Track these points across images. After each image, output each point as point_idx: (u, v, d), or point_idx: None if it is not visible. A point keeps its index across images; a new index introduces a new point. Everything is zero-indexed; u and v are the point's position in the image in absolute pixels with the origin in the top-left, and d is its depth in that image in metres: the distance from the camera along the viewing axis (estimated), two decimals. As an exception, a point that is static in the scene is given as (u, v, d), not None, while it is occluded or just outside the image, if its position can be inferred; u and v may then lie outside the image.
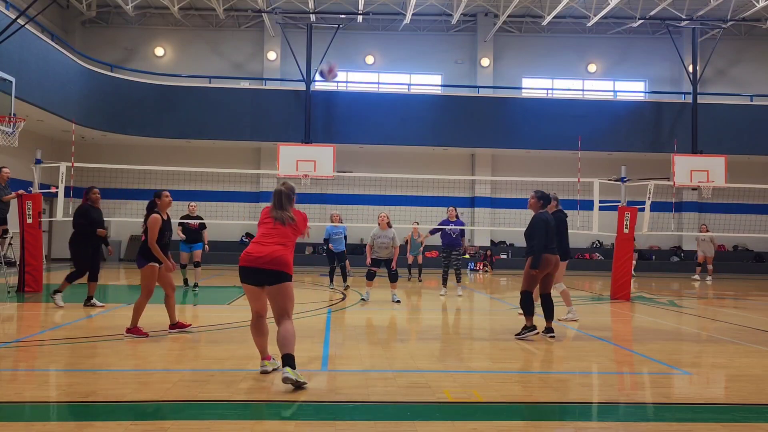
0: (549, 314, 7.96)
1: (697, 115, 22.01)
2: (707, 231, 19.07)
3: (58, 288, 10.00)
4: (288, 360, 5.20)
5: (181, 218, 13.33)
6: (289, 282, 5.45)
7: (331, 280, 14.24)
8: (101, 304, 10.06)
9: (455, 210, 13.42)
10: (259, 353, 5.79)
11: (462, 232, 13.18)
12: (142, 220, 7.82)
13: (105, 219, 10.40)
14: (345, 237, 13.95)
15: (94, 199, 10.11)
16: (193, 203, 13.88)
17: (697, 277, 19.31)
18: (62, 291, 9.92)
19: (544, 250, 7.78)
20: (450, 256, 13.10)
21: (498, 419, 4.62)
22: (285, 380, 5.08)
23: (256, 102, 22.58)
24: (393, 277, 11.66)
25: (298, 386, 5.08)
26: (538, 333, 7.79)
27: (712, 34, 25.01)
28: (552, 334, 7.81)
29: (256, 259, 5.39)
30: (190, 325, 7.96)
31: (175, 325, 7.74)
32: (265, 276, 5.39)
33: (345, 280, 13.90)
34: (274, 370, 5.67)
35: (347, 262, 14.20)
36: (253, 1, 23.80)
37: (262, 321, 5.73)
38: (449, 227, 13.03)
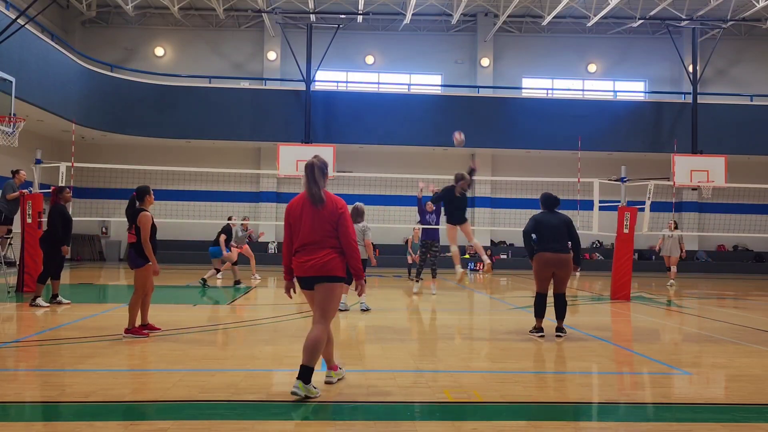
0: (560, 314, 7.92)
1: (697, 115, 22.01)
2: (675, 228, 16.80)
3: (34, 295, 9.97)
4: (305, 373, 4.95)
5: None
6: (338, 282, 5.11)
7: None
8: (67, 301, 10.14)
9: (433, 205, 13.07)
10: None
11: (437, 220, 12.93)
12: (126, 219, 7.67)
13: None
14: None
15: (68, 198, 10.14)
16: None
17: (672, 282, 16.51)
18: (40, 295, 9.91)
19: (540, 250, 7.78)
20: (431, 249, 12.91)
21: (498, 419, 4.62)
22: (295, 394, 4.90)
23: (256, 102, 22.58)
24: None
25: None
26: (543, 336, 7.82)
27: (712, 34, 25.01)
28: (560, 334, 7.81)
29: (307, 269, 5.03)
30: (160, 329, 7.79)
31: (146, 326, 7.65)
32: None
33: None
34: (339, 379, 5.45)
35: None
36: (253, 1, 23.80)
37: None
38: (428, 217, 12.91)
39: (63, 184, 11.53)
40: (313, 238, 5.02)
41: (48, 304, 9.85)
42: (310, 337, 4.99)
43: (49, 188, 13.81)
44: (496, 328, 8.96)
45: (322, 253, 5.00)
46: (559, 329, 7.88)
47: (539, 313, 7.97)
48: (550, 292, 8.03)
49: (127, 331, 7.39)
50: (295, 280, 5.23)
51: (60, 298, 10.10)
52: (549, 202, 8.02)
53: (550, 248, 7.75)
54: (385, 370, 6.02)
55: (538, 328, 7.95)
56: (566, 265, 7.76)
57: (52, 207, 9.95)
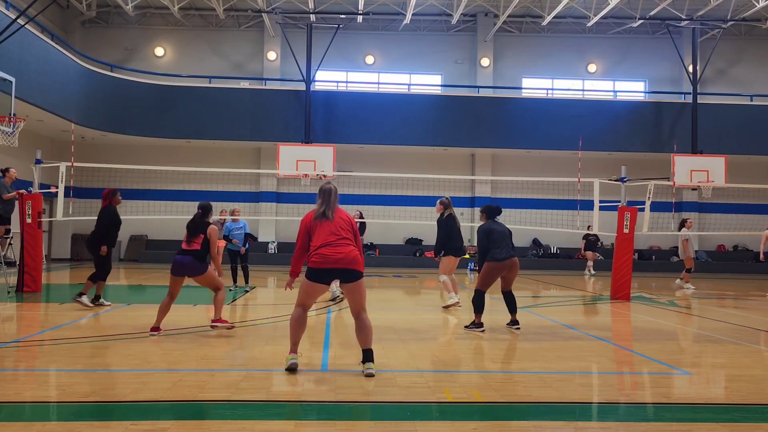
0: (514, 308, 8.61)
1: (697, 115, 22.00)
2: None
3: (80, 292, 9.89)
4: (369, 355, 5.72)
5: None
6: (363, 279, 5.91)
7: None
8: (108, 303, 10.13)
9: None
10: (290, 347, 5.92)
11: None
12: (189, 230, 7.79)
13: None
14: None
15: (119, 201, 10.33)
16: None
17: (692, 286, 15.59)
18: (86, 293, 9.85)
19: (496, 256, 8.39)
20: None
21: (498, 419, 4.62)
22: (369, 375, 5.58)
23: (256, 102, 22.58)
24: None
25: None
26: (484, 331, 8.24)
27: (712, 34, 25.01)
28: (518, 326, 8.45)
29: (336, 261, 5.73)
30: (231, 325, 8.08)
31: (218, 320, 7.96)
32: (340, 275, 5.82)
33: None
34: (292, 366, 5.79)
35: None
36: (253, 1, 23.80)
37: (306, 315, 6.05)
38: None
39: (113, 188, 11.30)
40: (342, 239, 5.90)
41: (90, 305, 9.72)
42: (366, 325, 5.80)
43: (49, 188, 13.84)
44: (495, 328, 8.96)
45: (348, 248, 5.88)
46: (515, 321, 8.52)
47: (480, 308, 8.39)
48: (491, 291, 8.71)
49: (214, 321, 7.86)
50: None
51: (102, 300, 10.02)
52: (495, 211, 8.88)
53: (507, 255, 8.43)
54: (385, 370, 6.01)
55: (478, 324, 8.32)
56: (516, 267, 8.59)
57: (104, 208, 10.01)
